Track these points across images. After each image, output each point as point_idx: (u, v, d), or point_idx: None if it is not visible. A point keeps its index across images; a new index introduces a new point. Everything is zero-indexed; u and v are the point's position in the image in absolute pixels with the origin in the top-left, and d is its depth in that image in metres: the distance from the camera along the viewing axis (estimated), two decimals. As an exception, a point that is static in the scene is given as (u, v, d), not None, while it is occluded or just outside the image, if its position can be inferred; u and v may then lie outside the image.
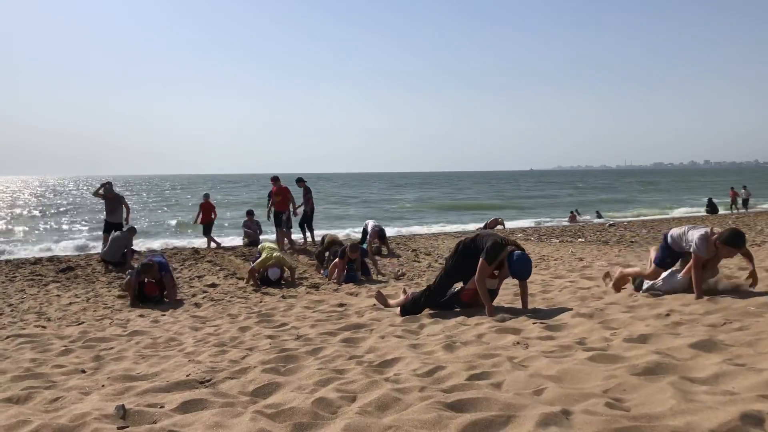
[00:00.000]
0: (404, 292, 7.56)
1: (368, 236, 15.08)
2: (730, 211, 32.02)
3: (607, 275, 7.73)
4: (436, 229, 26.43)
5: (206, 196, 18.87)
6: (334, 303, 8.31)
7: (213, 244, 18.03)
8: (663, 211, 36.42)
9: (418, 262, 13.48)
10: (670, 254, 6.65)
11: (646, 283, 6.83)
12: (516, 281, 6.79)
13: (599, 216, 31.97)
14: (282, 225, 16.26)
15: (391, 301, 7.53)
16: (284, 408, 3.65)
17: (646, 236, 18.40)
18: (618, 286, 7.09)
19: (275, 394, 4.12)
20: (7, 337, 7.22)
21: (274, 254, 10.94)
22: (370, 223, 15.77)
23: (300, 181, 17.14)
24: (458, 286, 6.85)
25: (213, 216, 18.48)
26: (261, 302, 9.05)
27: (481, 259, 6.40)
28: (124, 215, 15.44)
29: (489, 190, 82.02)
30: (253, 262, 11.36)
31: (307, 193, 16.84)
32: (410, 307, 6.89)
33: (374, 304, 7.87)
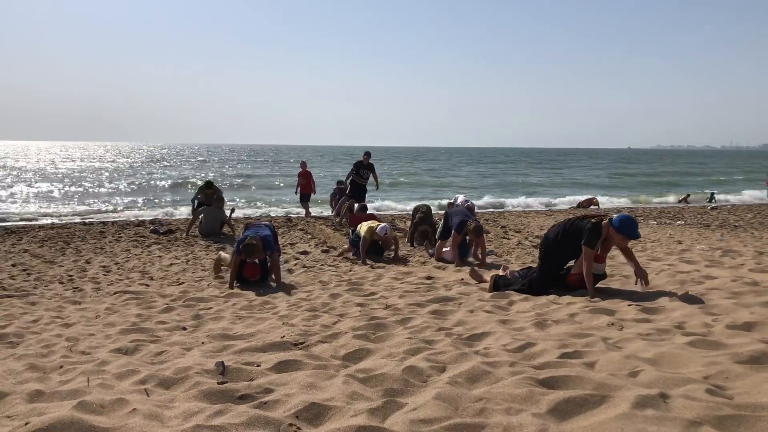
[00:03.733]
0: (503, 269, 7.47)
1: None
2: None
3: None
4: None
5: (304, 164, 19.18)
6: (422, 275, 8.36)
7: (304, 213, 18.45)
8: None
9: (507, 239, 13.32)
10: None
11: None
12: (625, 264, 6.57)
13: (712, 199, 29.74)
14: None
15: (487, 277, 7.48)
16: (375, 373, 3.73)
17: (751, 221, 17.42)
18: None
19: (366, 359, 4.21)
20: (115, 293, 7.71)
21: (376, 223, 10.64)
22: (460, 198, 15.54)
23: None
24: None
25: (313, 185, 18.88)
26: (350, 271, 9.22)
27: (583, 246, 6.27)
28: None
29: (591, 167, 79.50)
30: (351, 238, 10.85)
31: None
32: (502, 287, 6.85)
33: (462, 279, 7.87)
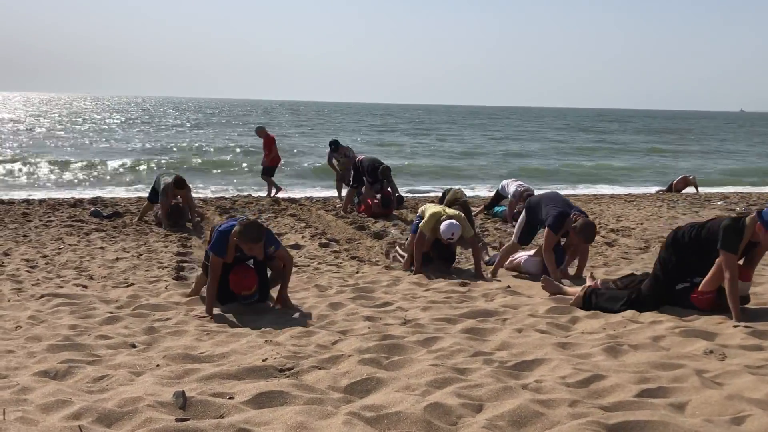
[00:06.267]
0: (591, 277, 7.39)
1: (511, 199, 14.68)
2: None
3: None
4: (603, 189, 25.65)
5: (262, 128, 19.18)
6: (453, 280, 8.36)
7: (274, 191, 18.51)
8: None
9: (572, 233, 13.26)
10: None
11: None
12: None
13: None
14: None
15: (571, 290, 7.28)
16: (387, 412, 3.75)
17: None
18: None
19: (375, 392, 4.24)
20: (42, 296, 7.76)
21: (449, 211, 9.40)
22: (511, 184, 15.25)
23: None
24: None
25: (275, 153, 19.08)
26: (358, 273, 9.23)
27: (721, 252, 5.89)
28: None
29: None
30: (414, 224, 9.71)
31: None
32: (605, 303, 6.65)
33: (508, 287, 7.84)
